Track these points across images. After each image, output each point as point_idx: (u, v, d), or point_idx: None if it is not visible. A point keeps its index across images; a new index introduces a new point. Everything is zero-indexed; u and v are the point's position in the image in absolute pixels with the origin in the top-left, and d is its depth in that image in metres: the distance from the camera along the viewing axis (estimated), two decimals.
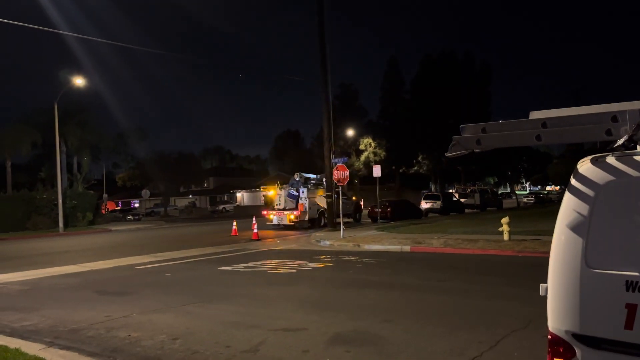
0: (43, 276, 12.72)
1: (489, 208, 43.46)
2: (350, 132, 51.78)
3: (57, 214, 30.55)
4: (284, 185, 28.71)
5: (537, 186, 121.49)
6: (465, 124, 3.10)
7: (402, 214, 31.26)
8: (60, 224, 30.33)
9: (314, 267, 12.71)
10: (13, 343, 6.31)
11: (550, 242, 2.51)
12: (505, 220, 15.78)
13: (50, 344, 6.40)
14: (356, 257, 14.47)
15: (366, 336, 6.39)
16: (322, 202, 26.63)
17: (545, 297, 2.68)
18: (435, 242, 16.47)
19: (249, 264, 13.59)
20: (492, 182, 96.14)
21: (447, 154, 3.12)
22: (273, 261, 14.21)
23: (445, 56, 61.37)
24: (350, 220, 29.58)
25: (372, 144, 55.65)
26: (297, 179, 28.19)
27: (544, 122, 2.85)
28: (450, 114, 57.37)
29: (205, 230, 30.24)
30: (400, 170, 61.91)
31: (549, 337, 2.60)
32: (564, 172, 28.98)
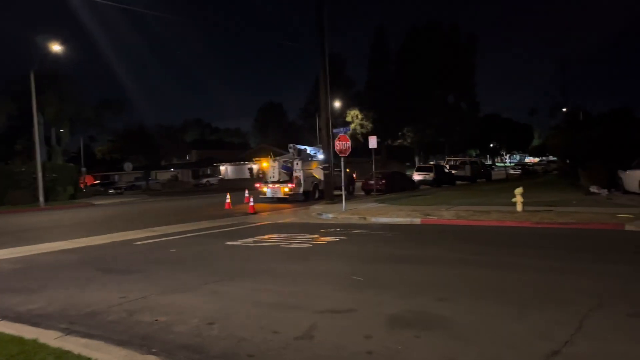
0: (35, 253, 11.74)
1: (478, 180, 43.33)
2: (337, 104, 50.74)
3: (37, 187, 29.12)
4: (278, 158, 27.81)
5: (516, 158, 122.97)
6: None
7: (396, 186, 30.80)
8: (41, 198, 28.94)
9: (328, 241, 11.97)
10: (25, 331, 5.46)
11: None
12: (519, 191, 15.31)
13: (68, 332, 5.56)
14: (367, 230, 13.81)
15: (427, 317, 5.72)
16: (318, 174, 25.83)
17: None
18: (445, 214, 15.91)
19: (256, 238, 12.83)
20: (474, 154, 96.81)
21: None
22: (281, 235, 13.45)
23: (431, 27, 60.39)
24: (344, 192, 28.87)
25: (359, 116, 54.84)
26: (292, 151, 27.31)
27: None
28: (436, 86, 56.75)
29: (193, 204, 29.28)
30: (386, 143, 61.40)
31: None
32: (560, 143, 28.58)
